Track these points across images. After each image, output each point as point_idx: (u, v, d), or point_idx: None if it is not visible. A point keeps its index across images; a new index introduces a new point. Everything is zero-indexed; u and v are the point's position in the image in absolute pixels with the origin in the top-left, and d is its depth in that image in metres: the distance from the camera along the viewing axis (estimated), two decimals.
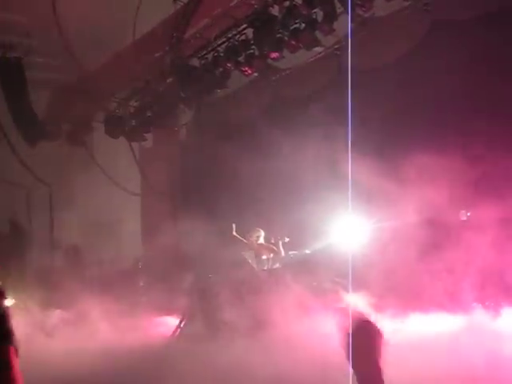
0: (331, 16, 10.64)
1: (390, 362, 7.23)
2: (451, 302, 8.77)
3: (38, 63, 14.40)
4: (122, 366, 8.34)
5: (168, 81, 13.30)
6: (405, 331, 8.86)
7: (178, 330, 10.33)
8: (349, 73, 8.53)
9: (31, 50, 14.04)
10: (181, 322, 10.36)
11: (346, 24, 10.80)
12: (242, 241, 10.21)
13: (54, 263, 15.72)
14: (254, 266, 10.17)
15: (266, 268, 10.11)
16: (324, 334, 8.31)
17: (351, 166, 8.24)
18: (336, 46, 11.64)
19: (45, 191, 16.11)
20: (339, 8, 10.58)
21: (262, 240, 10.38)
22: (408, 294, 9.45)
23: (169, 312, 11.95)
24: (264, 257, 10.24)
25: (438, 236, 9.38)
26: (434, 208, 9.31)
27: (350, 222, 9.70)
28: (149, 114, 14.10)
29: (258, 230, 10.45)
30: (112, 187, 16.03)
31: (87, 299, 13.16)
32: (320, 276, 9.80)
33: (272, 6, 11.09)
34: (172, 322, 11.62)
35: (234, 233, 10.38)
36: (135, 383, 7.71)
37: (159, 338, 10.97)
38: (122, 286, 14.20)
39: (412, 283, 9.56)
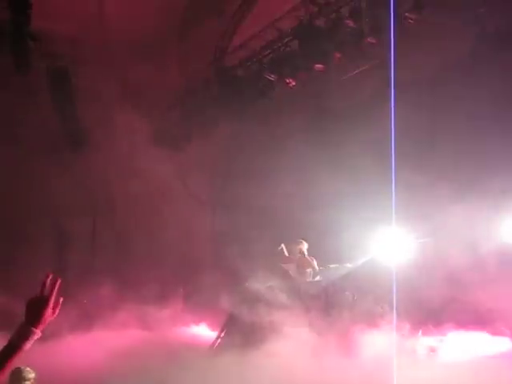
0: (377, 28, 10.57)
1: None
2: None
3: (84, 72, 14.64)
4: (161, 373, 8.34)
5: (212, 91, 13.36)
6: (448, 350, 8.72)
7: (218, 340, 10.29)
8: (392, 85, 8.48)
9: (77, 60, 14.29)
10: (221, 333, 10.33)
11: (391, 35, 10.73)
12: (285, 255, 10.15)
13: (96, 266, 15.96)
14: (296, 277, 10.10)
15: (308, 280, 10.03)
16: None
17: (395, 179, 8.17)
18: (381, 58, 11.55)
19: (87, 197, 16.34)
20: (386, 19, 10.50)
21: (305, 251, 10.32)
22: (450, 312, 9.31)
23: (209, 322, 11.97)
24: (308, 270, 10.18)
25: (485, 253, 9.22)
26: (482, 225, 9.16)
27: (393, 236, 9.60)
28: (192, 123, 14.21)
29: (301, 242, 10.40)
30: (153, 194, 16.19)
31: (127, 305, 13.32)
32: (362, 290, 9.76)
33: (318, 18, 11.07)
34: (211, 332, 11.64)
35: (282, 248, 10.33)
36: None
37: (198, 348, 10.95)
38: (162, 293, 14.32)
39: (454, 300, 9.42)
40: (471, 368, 7.55)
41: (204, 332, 11.84)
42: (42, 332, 2.34)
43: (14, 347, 2.30)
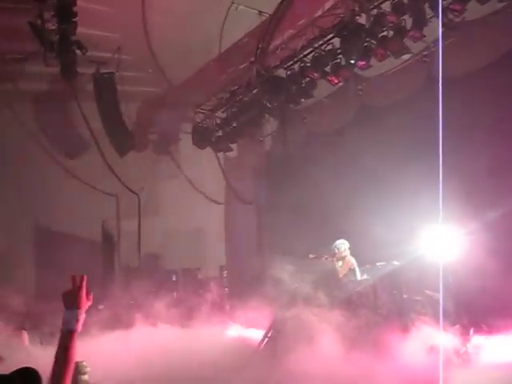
0: (421, 22, 10.39)
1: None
2: None
3: (129, 77, 14.92)
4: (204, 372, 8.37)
5: (254, 91, 13.41)
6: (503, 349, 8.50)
7: (265, 340, 10.31)
8: (440, 80, 8.32)
9: (122, 65, 14.56)
10: (267, 333, 10.35)
11: (435, 30, 10.55)
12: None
13: (140, 269, 16.20)
14: (342, 276, 10.04)
15: (354, 279, 9.96)
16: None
17: (442, 174, 8.02)
18: (425, 53, 11.39)
19: (133, 199, 16.64)
20: (429, 14, 10.34)
21: (347, 251, 10.24)
22: (504, 310, 9.08)
23: (253, 322, 12.00)
24: (351, 268, 10.11)
25: None
26: None
27: (440, 231, 9.43)
28: (235, 124, 14.30)
29: (344, 243, 10.33)
30: (197, 196, 16.40)
31: (170, 305, 13.47)
32: (410, 288, 9.61)
33: (359, 15, 10.97)
34: (256, 333, 11.66)
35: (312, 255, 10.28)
36: None
37: (245, 348, 10.99)
38: (206, 293, 14.45)
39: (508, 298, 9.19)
40: None
41: (249, 333, 11.86)
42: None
43: (69, 331, 2.59)
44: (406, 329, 8.74)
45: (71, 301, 2.64)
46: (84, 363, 5.45)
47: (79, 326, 2.62)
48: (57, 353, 2.58)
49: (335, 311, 9.30)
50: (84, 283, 2.69)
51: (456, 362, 8.15)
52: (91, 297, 2.72)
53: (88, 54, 12.60)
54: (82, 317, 2.65)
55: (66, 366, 2.53)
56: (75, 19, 10.94)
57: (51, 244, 14.77)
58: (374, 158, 11.86)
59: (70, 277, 2.73)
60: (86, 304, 2.67)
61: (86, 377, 5.39)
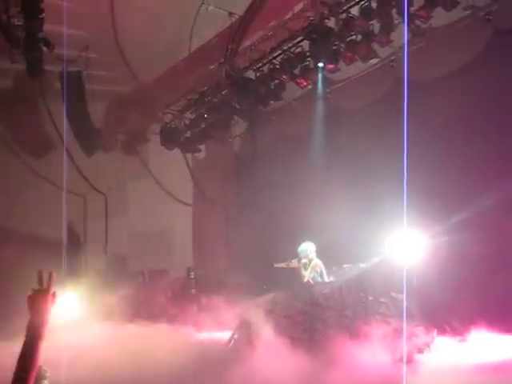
0: (388, 27, 10.55)
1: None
2: None
3: (96, 76, 14.75)
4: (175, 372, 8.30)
5: (223, 92, 13.39)
6: (467, 351, 8.63)
7: (232, 341, 10.29)
8: (405, 85, 8.43)
9: (90, 63, 14.39)
10: (234, 335, 10.32)
11: (402, 35, 10.71)
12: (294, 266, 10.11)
13: (107, 271, 16.02)
14: (308, 279, 10.08)
15: (320, 281, 10.01)
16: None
17: (406, 178, 8.13)
18: (392, 58, 11.55)
19: (100, 200, 16.46)
20: (396, 19, 10.49)
21: (314, 254, 10.26)
22: (467, 312, 9.23)
23: (220, 323, 11.96)
24: (318, 270, 10.14)
25: (499, 250, 9.16)
26: (494, 221, 9.10)
27: (405, 235, 9.55)
28: (203, 125, 14.25)
29: (310, 245, 10.35)
30: (165, 197, 16.30)
31: (140, 307, 13.35)
32: (376, 290, 9.70)
33: (328, 19, 11.07)
34: (223, 334, 11.62)
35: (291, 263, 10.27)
36: None
37: (212, 349, 10.94)
38: (174, 295, 14.38)
39: (470, 301, 9.35)
40: (491, 371, 7.36)
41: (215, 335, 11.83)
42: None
43: (33, 337, 2.48)
44: (370, 330, 8.81)
45: (36, 306, 2.52)
46: (44, 368, 5.32)
47: (44, 332, 2.51)
48: (19, 359, 2.47)
49: (299, 314, 9.33)
50: (52, 283, 2.57)
51: (418, 363, 8.22)
52: (56, 297, 2.59)
53: (55, 51, 12.40)
54: (47, 323, 2.53)
55: (28, 373, 2.44)
56: (42, 15, 10.76)
57: (14, 246, 14.49)
58: (341, 161, 11.97)
59: (37, 272, 2.58)
60: (50, 309, 2.55)
61: (46, 382, 5.27)
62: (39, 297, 2.54)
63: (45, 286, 2.56)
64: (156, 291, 14.09)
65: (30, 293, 2.57)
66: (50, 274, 2.58)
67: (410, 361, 8.05)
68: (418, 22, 10.38)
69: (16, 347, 2.54)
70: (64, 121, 13.94)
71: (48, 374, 5.60)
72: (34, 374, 2.46)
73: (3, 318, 10.13)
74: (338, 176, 11.89)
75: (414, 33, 10.57)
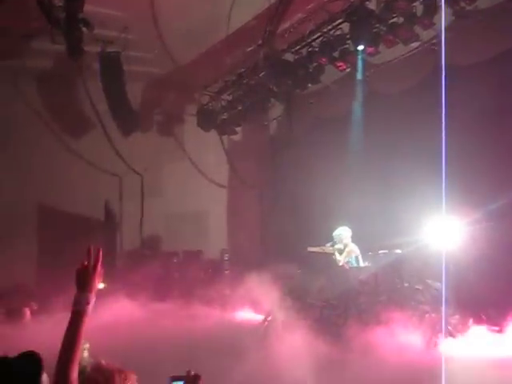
0: (432, 9, 10.30)
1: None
2: None
3: (135, 57, 14.81)
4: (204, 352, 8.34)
5: (260, 75, 13.31)
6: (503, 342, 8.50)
7: (265, 323, 10.34)
8: (443, 69, 8.24)
9: (128, 45, 14.46)
10: (267, 316, 10.37)
11: (446, 17, 10.44)
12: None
13: (143, 251, 16.21)
14: (343, 263, 10.03)
15: (356, 266, 9.96)
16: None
17: (446, 162, 7.98)
18: (434, 41, 11.30)
19: (136, 180, 16.61)
20: (440, 1, 10.23)
21: (349, 239, 10.20)
22: (505, 303, 9.08)
23: (254, 305, 12.03)
24: (353, 255, 10.10)
25: None
26: None
27: (444, 221, 9.42)
28: (240, 107, 14.22)
29: (345, 229, 10.28)
30: (200, 179, 16.37)
31: (172, 288, 13.49)
32: (412, 277, 9.62)
33: (369, 0, 10.86)
34: (256, 315, 11.70)
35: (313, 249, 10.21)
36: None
37: (243, 331, 11.01)
38: (207, 276, 14.50)
39: (509, 289, 9.19)
40: None
41: (249, 316, 11.89)
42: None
43: (79, 314, 2.57)
44: (406, 317, 8.75)
45: (84, 282, 2.60)
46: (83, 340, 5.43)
47: (89, 309, 2.59)
48: (65, 334, 2.57)
49: (334, 299, 9.31)
50: (99, 260, 2.63)
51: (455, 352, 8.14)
52: (102, 273, 2.67)
53: (95, 32, 12.48)
54: (93, 300, 2.61)
55: (73, 348, 2.52)
56: None
57: (54, 224, 14.76)
58: (379, 146, 11.82)
59: (86, 249, 2.65)
60: (97, 285, 2.63)
61: (86, 352, 5.38)
62: (87, 272, 2.61)
63: (92, 262, 2.61)
64: (190, 272, 14.22)
65: (78, 267, 2.63)
66: (98, 251, 2.63)
67: (442, 349, 7.97)
68: (462, 4, 10.12)
69: (63, 322, 2.60)
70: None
71: (87, 345, 5.73)
72: (79, 349, 2.52)
73: (49, 293, 10.38)
74: (376, 160, 11.76)
75: (458, 15, 10.31)
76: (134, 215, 16.65)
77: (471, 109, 10.43)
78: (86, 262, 2.64)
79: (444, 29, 9.85)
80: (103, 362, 2.42)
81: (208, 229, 16.70)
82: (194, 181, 16.36)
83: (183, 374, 2.42)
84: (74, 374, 2.46)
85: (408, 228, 9.95)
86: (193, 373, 2.40)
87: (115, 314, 10.37)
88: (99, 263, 2.63)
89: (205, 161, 16.38)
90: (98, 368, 2.23)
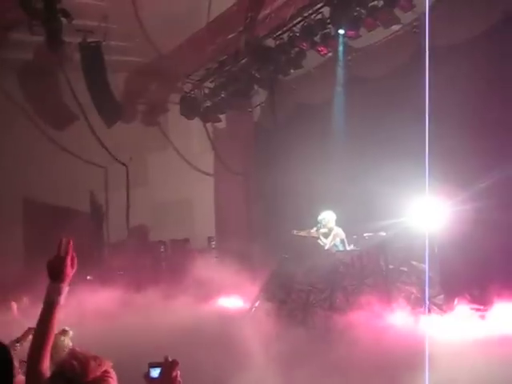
0: None
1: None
2: None
3: (116, 46, 14.70)
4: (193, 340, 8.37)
5: (242, 61, 13.27)
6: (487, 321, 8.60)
7: (252, 310, 10.40)
8: (426, 51, 8.27)
9: (109, 34, 14.33)
10: (254, 303, 10.43)
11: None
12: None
13: (129, 241, 16.19)
14: (329, 247, 10.09)
15: (341, 249, 10.02)
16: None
17: (428, 145, 8.03)
18: (415, 24, 11.31)
19: (121, 170, 16.55)
20: None
21: (333, 223, 10.24)
22: (489, 282, 9.16)
23: (241, 291, 12.07)
24: (338, 239, 10.14)
25: None
26: None
27: (427, 203, 9.48)
28: (223, 94, 14.18)
29: (329, 214, 10.32)
30: (186, 167, 16.34)
31: (159, 276, 13.50)
32: (397, 259, 9.70)
33: None
34: (243, 301, 11.74)
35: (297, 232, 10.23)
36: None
37: (231, 317, 11.06)
38: (195, 264, 14.50)
39: (493, 270, 9.28)
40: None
41: (235, 303, 11.93)
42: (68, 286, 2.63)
43: (51, 304, 2.58)
44: (391, 298, 8.83)
45: (55, 272, 2.61)
46: (66, 328, 5.44)
47: (62, 299, 2.60)
48: (37, 324, 2.59)
49: (320, 282, 9.37)
50: (70, 250, 2.65)
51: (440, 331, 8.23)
52: (75, 264, 2.67)
53: (74, 22, 12.36)
54: (66, 290, 2.63)
55: (44, 338, 2.53)
56: None
57: (40, 217, 14.69)
58: (362, 130, 11.85)
59: (58, 241, 2.67)
60: (70, 274, 2.64)
61: (69, 342, 5.38)
62: (58, 263, 2.62)
63: (63, 253, 2.63)
64: (177, 260, 14.23)
65: (49, 258, 2.65)
66: (68, 241, 2.67)
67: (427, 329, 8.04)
68: None
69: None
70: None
71: (71, 334, 5.74)
72: (50, 339, 2.53)
73: (33, 286, 10.32)
74: (359, 144, 11.79)
75: None
76: (120, 205, 16.62)
77: (455, 88, 10.46)
78: (58, 254, 2.66)
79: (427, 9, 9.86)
80: (78, 348, 2.44)
81: (194, 217, 16.70)
82: (179, 169, 16.32)
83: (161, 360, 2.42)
84: (45, 364, 2.49)
85: (392, 210, 10.02)
86: (170, 359, 2.40)
87: (101, 303, 10.38)
88: (70, 254, 2.65)
89: (189, 149, 16.34)
90: (72, 353, 2.24)
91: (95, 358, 2.23)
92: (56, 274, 2.61)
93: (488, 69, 10.14)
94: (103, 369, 2.20)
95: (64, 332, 5.34)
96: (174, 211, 16.33)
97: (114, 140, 15.63)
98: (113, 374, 2.24)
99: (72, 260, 2.65)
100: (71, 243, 2.67)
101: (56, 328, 2.64)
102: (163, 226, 16.18)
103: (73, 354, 2.24)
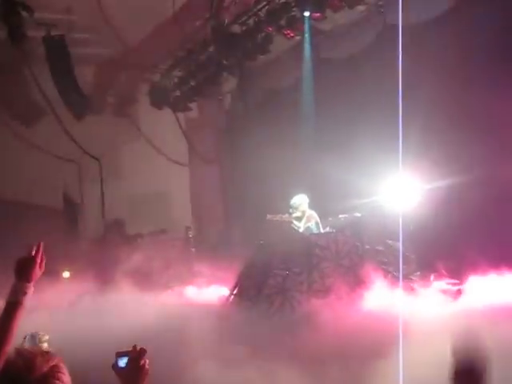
0: None
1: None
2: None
3: (81, 39, 14.49)
4: (174, 330, 8.33)
5: (210, 49, 13.17)
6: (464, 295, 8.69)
7: (230, 297, 10.38)
8: (399, 28, 8.25)
9: (73, 27, 14.12)
10: (233, 290, 10.42)
11: None
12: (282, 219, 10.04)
13: (105, 235, 16.07)
14: (304, 230, 10.08)
15: (316, 232, 10.01)
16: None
17: (402, 123, 8.03)
18: (380, 3, 11.31)
19: (94, 165, 16.37)
20: None
21: (306, 206, 10.21)
22: (464, 259, 9.24)
23: (220, 280, 12.06)
24: (311, 222, 10.10)
25: (495, 194, 9.13)
26: (490, 165, 9.04)
27: (401, 182, 9.52)
28: (192, 83, 14.08)
29: (302, 197, 10.29)
30: (160, 158, 16.22)
31: (139, 268, 13.40)
32: (372, 239, 9.74)
33: None
34: (223, 290, 11.72)
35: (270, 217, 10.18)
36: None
37: (212, 306, 11.05)
38: (173, 255, 14.45)
39: (468, 245, 9.35)
40: (490, 316, 7.31)
41: (216, 291, 11.91)
42: (34, 286, 2.56)
43: (14, 304, 2.49)
44: (368, 278, 8.88)
45: (22, 271, 2.55)
46: (41, 332, 5.38)
47: (26, 300, 2.51)
48: None
49: (296, 266, 9.38)
50: (40, 252, 2.60)
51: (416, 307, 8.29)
52: (43, 264, 2.62)
53: (37, 16, 12.14)
54: (31, 290, 2.55)
55: (4, 338, 2.45)
56: None
57: (13, 216, 14.48)
58: (333, 111, 11.85)
59: (27, 245, 2.64)
60: (37, 276, 2.59)
61: (45, 345, 5.32)
62: (26, 262, 2.57)
63: (32, 253, 2.59)
64: (154, 251, 14.15)
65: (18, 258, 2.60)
66: (38, 244, 2.62)
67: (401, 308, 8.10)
68: None
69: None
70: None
71: (47, 337, 5.67)
72: (10, 342, 2.45)
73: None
74: (330, 126, 11.79)
75: None
76: (95, 200, 16.46)
77: (425, 66, 10.47)
78: (27, 253, 2.62)
79: None
80: (26, 346, 2.37)
81: (171, 207, 16.63)
82: (152, 160, 16.19)
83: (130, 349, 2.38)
84: None
85: (367, 190, 10.05)
86: (138, 348, 2.36)
87: (79, 299, 10.30)
88: (39, 254, 2.60)
89: (162, 139, 16.20)
90: (17, 351, 2.17)
91: (43, 354, 2.16)
92: (22, 273, 2.55)
93: (459, 44, 10.14)
94: (52, 364, 2.12)
95: (41, 337, 5.28)
96: (150, 203, 16.24)
97: (84, 134, 15.43)
98: (64, 369, 2.17)
99: (41, 261, 2.60)
100: (41, 244, 2.63)
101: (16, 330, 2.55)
102: (140, 218, 16.08)
103: (18, 351, 2.17)
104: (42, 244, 2.63)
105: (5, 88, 14.60)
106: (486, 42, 9.73)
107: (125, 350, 2.36)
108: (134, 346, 2.36)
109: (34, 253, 2.60)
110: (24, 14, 11.57)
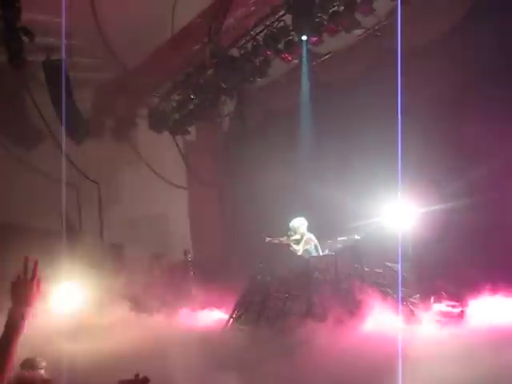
0: None
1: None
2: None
3: (81, 63, 14.57)
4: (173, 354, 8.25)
5: (208, 72, 13.25)
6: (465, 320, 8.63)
7: (230, 321, 10.30)
8: (399, 52, 8.33)
9: (73, 51, 14.21)
10: (232, 314, 10.34)
11: (385, 4, 10.58)
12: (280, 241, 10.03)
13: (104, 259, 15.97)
14: (303, 253, 10.06)
15: (315, 255, 9.99)
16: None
17: (401, 148, 8.08)
18: (376, 27, 11.44)
19: (93, 188, 16.34)
20: None
21: (304, 229, 10.21)
22: (464, 281, 9.21)
23: (219, 304, 11.98)
24: (310, 245, 10.10)
25: (495, 217, 9.13)
26: (490, 188, 9.06)
27: (400, 204, 9.54)
28: (191, 106, 14.14)
29: (300, 221, 10.29)
30: (159, 181, 16.22)
31: (138, 292, 13.32)
32: (371, 261, 9.71)
33: None
34: (222, 314, 11.64)
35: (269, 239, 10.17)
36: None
37: (212, 330, 10.97)
38: (173, 278, 14.37)
39: (468, 269, 9.32)
40: (491, 339, 7.25)
41: (215, 315, 11.82)
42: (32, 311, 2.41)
43: (11, 329, 2.40)
44: (368, 301, 8.82)
45: (19, 295, 2.45)
46: (39, 358, 5.30)
47: (24, 326, 2.43)
48: None
49: (296, 289, 9.33)
50: (36, 274, 2.50)
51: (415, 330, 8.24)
52: (41, 286, 2.53)
53: (37, 40, 12.23)
54: (31, 315, 2.47)
55: (4, 364, 2.37)
56: (18, 4, 10.59)
57: (11, 239, 14.40)
58: (331, 134, 11.90)
59: (23, 258, 2.53)
60: (36, 299, 2.48)
61: (42, 371, 5.24)
62: (22, 285, 2.47)
63: (29, 274, 2.48)
64: (153, 276, 14.08)
65: (14, 280, 2.51)
66: (35, 263, 2.51)
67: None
68: None
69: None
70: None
71: (44, 364, 5.58)
72: (8, 368, 2.37)
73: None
74: (329, 149, 11.84)
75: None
76: (94, 224, 16.39)
77: (421, 91, 10.55)
78: (22, 275, 2.51)
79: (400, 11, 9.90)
80: (27, 373, 2.32)
81: (170, 231, 16.57)
82: (152, 184, 16.20)
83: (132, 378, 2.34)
84: None
85: (366, 213, 10.05)
86: (141, 376, 2.32)
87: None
88: (37, 276, 2.50)
89: (161, 163, 16.22)
90: (19, 377, 2.11)
91: (44, 381, 2.12)
92: (20, 297, 2.45)
93: (455, 69, 10.22)
94: None
95: (38, 363, 5.20)
96: (150, 226, 16.19)
97: (83, 158, 15.44)
98: None
99: (38, 283, 2.50)
100: (38, 264, 2.52)
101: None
102: (139, 242, 16.01)
103: (19, 377, 2.12)
104: (37, 262, 2.52)
105: (5, 112, 14.65)
106: (481, 67, 9.83)
107: (127, 378, 2.32)
108: (137, 375, 2.31)
109: (30, 274, 2.50)
110: (25, 38, 11.64)
